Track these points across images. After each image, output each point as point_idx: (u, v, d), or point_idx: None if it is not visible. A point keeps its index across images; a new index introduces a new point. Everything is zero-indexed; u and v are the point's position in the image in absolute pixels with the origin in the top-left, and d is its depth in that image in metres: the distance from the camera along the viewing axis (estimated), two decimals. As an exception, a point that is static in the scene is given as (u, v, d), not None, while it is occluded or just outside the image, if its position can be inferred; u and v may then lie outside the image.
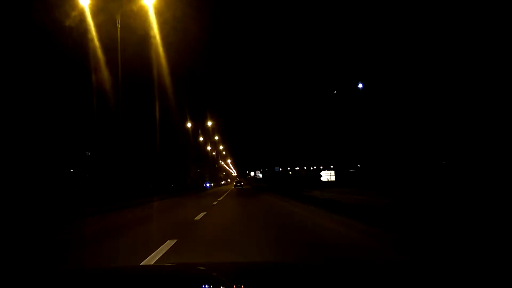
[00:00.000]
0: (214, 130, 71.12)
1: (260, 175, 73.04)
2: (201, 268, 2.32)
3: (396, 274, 2.06)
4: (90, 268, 4.03)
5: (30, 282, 1.92)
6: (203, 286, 1.88)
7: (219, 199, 18.73)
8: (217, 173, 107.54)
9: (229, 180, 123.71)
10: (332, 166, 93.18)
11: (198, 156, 64.99)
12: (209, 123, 61.22)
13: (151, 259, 4.75)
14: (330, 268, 2.44)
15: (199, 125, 56.22)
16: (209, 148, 67.37)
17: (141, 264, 4.43)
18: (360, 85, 29.84)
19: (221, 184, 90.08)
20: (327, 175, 25.89)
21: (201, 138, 59.16)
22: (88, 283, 1.90)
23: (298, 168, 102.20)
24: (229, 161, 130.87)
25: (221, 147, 78.77)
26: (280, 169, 64.99)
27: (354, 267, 2.59)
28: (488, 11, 23.42)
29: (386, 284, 1.78)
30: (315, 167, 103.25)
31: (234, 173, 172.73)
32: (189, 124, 51.03)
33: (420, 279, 1.94)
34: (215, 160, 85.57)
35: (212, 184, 67.53)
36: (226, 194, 27.59)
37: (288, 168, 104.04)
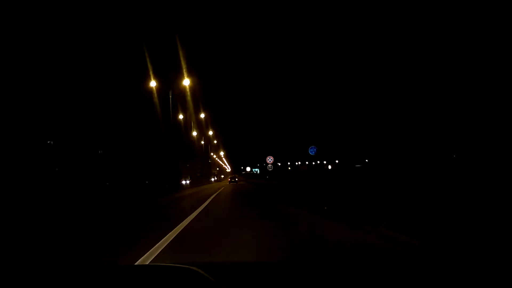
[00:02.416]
0: (207, 122, 61.75)
1: (266, 169, 62.64)
2: (198, 269, 2.11)
3: None
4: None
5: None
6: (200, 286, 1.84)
7: None
8: (210, 169, 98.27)
9: (222, 176, 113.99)
10: (337, 161, 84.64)
11: (186, 147, 55.20)
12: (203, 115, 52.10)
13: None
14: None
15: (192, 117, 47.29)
16: (194, 133, 56.75)
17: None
18: None
19: (212, 181, 78.87)
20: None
21: (188, 124, 49.53)
22: (84, 283, 1.93)
23: (299, 162, 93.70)
24: (221, 154, 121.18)
25: (210, 132, 68.22)
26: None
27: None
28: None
29: None
30: (318, 162, 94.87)
31: (229, 169, 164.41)
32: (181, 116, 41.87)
33: None
34: (204, 151, 75.39)
35: (187, 182, 49.86)
36: (191, 220, 9.41)
37: (289, 163, 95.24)
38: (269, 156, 31.52)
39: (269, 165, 33.14)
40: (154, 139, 37.87)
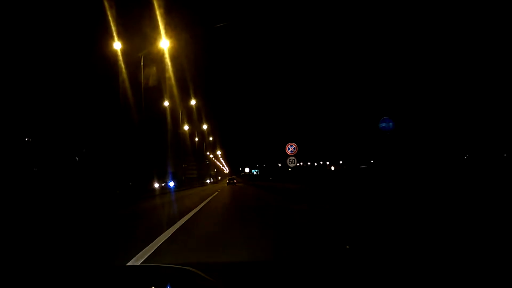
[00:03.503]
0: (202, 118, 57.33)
1: (267, 170, 58.55)
2: (191, 269, 2.06)
3: None
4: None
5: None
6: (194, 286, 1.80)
7: None
8: (207, 170, 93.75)
9: (219, 178, 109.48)
10: (341, 162, 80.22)
11: (176, 144, 50.38)
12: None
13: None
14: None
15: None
16: (186, 127, 51.54)
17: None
18: None
19: (207, 183, 73.83)
20: None
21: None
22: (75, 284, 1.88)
23: (301, 163, 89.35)
24: (219, 153, 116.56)
25: (205, 126, 63.17)
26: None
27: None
28: None
29: None
30: (321, 163, 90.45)
31: (227, 170, 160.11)
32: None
33: None
34: (198, 150, 70.47)
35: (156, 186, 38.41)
36: None
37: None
38: (290, 143, 18.13)
39: (291, 157, 18.31)
40: (120, 127, 29.56)
